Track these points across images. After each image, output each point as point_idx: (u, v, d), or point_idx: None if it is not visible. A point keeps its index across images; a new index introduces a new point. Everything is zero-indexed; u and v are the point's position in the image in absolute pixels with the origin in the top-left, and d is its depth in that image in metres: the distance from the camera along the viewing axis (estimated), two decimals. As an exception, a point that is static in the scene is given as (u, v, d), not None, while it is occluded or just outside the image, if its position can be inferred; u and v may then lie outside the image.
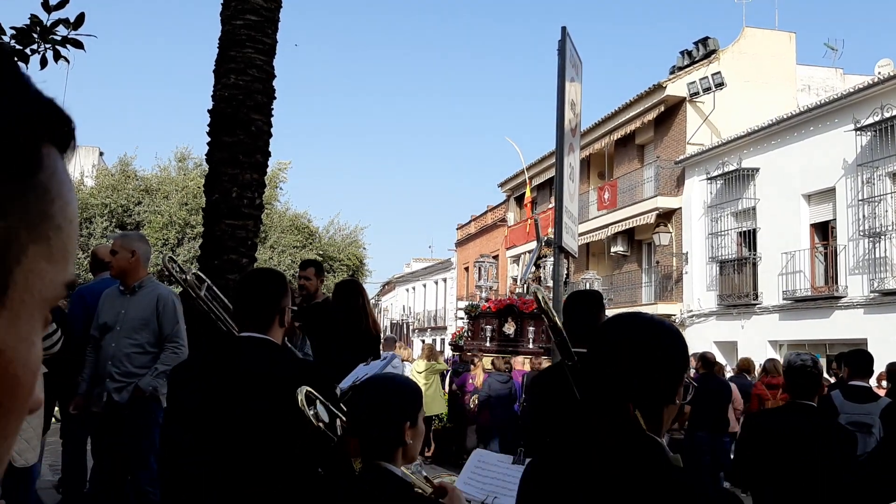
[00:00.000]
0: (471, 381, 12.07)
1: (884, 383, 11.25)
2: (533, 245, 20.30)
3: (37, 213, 0.43)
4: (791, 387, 3.97)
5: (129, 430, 4.67)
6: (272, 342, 2.56)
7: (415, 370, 11.97)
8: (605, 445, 1.52)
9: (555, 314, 2.86)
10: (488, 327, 15.01)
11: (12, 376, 0.43)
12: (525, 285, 16.11)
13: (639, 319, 1.64)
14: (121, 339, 4.71)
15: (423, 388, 12.02)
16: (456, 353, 15.07)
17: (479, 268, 17.45)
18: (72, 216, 0.45)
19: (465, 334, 15.92)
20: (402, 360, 13.54)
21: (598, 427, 1.54)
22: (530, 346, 14.08)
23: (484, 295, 16.66)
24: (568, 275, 16.37)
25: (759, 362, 14.54)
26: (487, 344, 14.51)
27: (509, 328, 14.70)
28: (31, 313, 0.43)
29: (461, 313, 27.72)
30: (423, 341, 40.71)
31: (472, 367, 12.79)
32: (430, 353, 12.58)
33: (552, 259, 15.77)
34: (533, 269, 16.10)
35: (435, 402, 11.95)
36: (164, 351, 4.72)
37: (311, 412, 2.23)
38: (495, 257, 33.97)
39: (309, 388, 2.26)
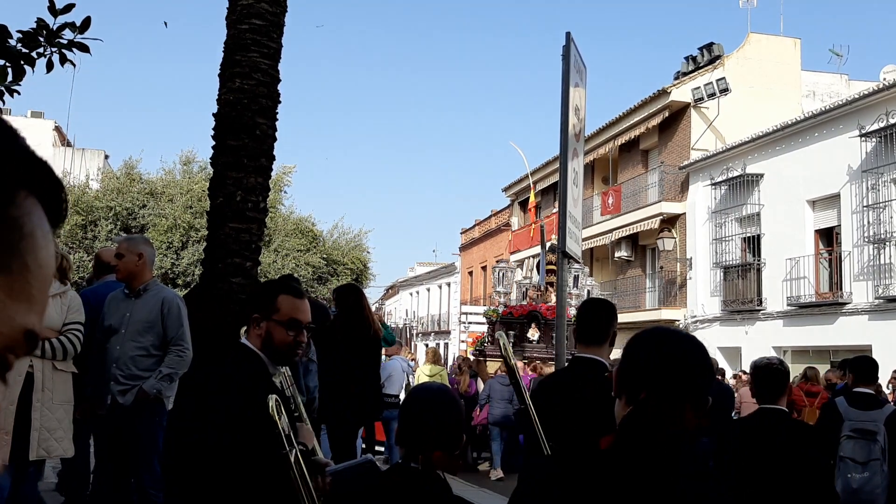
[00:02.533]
0: (455, 386, 12.21)
1: (888, 387, 11.24)
2: (537, 249, 20.33)
3: (3, 242, 0.43)
4: (757, 391, 3.89)
5: (133, 432, 4.66)
6: (238, 345, 2.59)
7: (422, 373, 11.93)
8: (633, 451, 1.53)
9: (513, 359, 3.03)
10: (511, 333, 15.05)
11: None
12: (541, 291, 16.14)
13: (678, 336, 1.70)
14: (126, 342, 4.72)
15: None
16: (481, 359, 15.06)
17: (501, 274, 17.37)
18: (42, 263, 0.45)
19: (486, 339, 15.95)
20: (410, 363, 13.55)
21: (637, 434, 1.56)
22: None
23: (502, 300, 16.68)
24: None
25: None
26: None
27: (533, 334, 14.76)
28: None
29: (465, 318, 27.78)
30: (427, 345, 40.71)
31: (459, 371, 12.90)
32: (435, 357, 12.57)
33: (574, 267, 15.86)
34: (546, 275, 16.14)
35: None
36: (168, 354, 4.72)
37: (280, 421, 2.26)
38: (499, 262, 34.00)
39: (278, 398, 2.29)
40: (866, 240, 16.06)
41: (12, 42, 4.25)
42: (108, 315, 4.84)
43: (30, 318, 0.45)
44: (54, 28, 4.22)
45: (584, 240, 10.77)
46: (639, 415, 1.54)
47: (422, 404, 2.18)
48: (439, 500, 2.06)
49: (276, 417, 2.25)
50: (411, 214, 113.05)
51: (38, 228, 0.45)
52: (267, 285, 2.75)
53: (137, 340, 4.71)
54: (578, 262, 10.94)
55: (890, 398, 10.19)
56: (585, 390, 3.00)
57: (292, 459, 2.24)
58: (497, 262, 20.80)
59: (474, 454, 12.58)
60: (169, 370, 4.66)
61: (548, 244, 16.54)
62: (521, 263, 30.42)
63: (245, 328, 2.83)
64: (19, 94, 4.56)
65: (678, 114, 22.40)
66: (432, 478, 2.09)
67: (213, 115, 6.15)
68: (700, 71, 22.67)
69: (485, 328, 24.47)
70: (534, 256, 22.38)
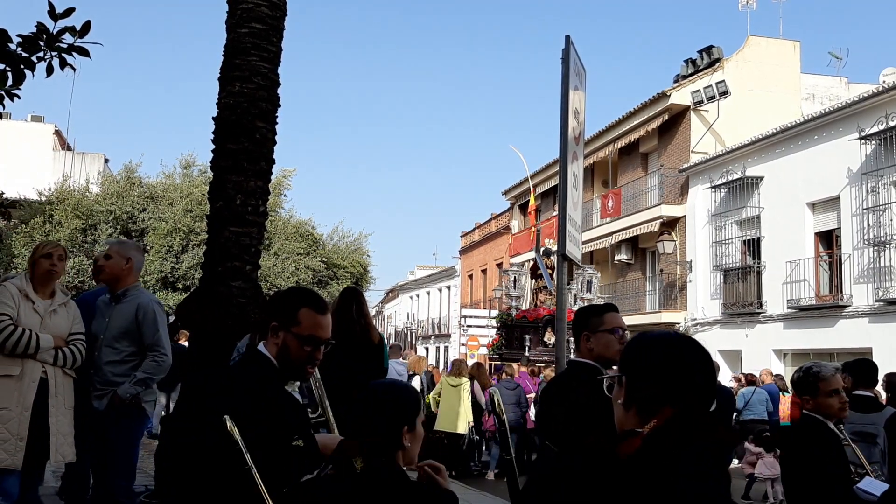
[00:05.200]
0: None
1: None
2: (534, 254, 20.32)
3: None
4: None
5: (107, 437, 4.60)
6: (258, 354, 2.55)
7: (449, 384, 11.66)
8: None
9: (503, 411, 3.24)
10: (526, 336, 15.04)
11: None
12: (552, 295, 16.20)
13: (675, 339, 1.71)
14: (103, 348, 4.68)
15: (457, 404, 11.59)
16: (498, 363, 15.04)
17: (514, 277, 17.33)
18: None
19: (501, 343, 15.96)
20: (429, 370, 13.39)
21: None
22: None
23: (514, 304, 16.68)
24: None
25: (758, 371, 14.52)
26: (526, 353, 14.55)
27: (550, 338, 14.84)
28: None
29: (465, 321, 27.74)
30: (427, 349, 40.70)
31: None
32: (461, 369, 11.98)
33: (584, 273, 15.87)
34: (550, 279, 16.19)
35: (462, 419, 11.42)
36: (145, 359, 4.67)
37: (238, 436, 2.26)
38: (499, 265, 33.99)
39: (231, 421, 2.29)
40: (866, 242, 16.06)
41: (12, 46, 4.26)
42: (93, 321, 4.82)
43: None
44: (54, 32, 4.23)
45: (583, 243, 10.77)
46: (669, 430, 1.53)
47: (361, 396, 2.16)
48: (389, 488, 2.02)
49: (235, 435, 2.26)
50: (411, 218, 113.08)
51: None
52: (290, 295, 2.62)
53: (114, 347, 4.68)
54: (578, 265, 10.94)
55: (883, 401, 10.16)
56: (579, 391, 3.02)
57: (254, 473, 2.26)
58: (510, 265, 20.72)
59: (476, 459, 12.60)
60: (144, 375, 4.61)
61: (542, 249, 16.58)
62: (521, 266, 30.43)
63: (252, 334, 2.81)
64: (19, 97, 4.57)
65: (678, 117, 22.41)
66: (386, 470, 2.03)
67: (213, 118, 6.16)
68: (700, 74, 22.69)
69: (485, 331, 24.52)
70: (529, 260, 22.36)
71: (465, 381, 11.57)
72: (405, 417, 2.11)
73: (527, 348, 14.86)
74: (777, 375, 14.48)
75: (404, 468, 2.11)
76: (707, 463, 1.52)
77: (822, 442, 3.70)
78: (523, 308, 16.55)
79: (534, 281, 17.12)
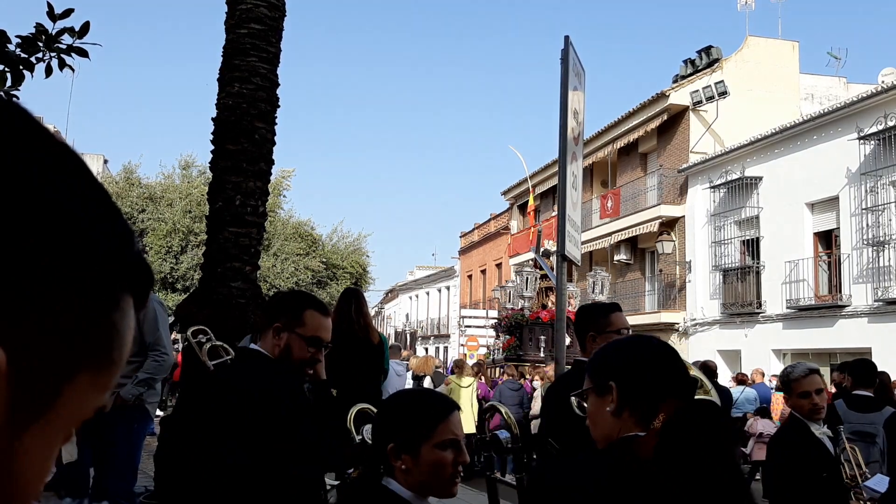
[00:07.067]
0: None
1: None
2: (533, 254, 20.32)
3: (100, 345, 0.48)
4: None
5: (108, 438, 4.59)
6: (255, 352, 2.54)
7: (459, 385, 11.58)
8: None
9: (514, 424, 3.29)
10: (542, 337, 15.01)
11: (24, 477, 0.47)
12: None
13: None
14: None
15: (467, 405, 11.48)
16: (507, 364, 14.98)
17: (528, 278, 17.25)
18: (125, 356, 0.51)
19: (517, 344, 15.96)
20: (439, 371, 13.31)
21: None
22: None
23: (527, 305, 16.65)
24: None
25: (761, 371, 14.51)
26: (541, 353, 14.54)
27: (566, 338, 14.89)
28: (62, 427, 0.49)
29: (464, 321, 27.73)
30: (426, 349, 40.70)
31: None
32: (464, 369, 11.83)
33: (595, 276, 15.79)
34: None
35: (471, 418, 11.21)
36: (146, 359, 4.68)
37: (359, 435, 2.25)
38: (499, 265, 33.98)
39: (365, 406, 2.28)
40: (865, 242, 16.07)
41: (11, 47, 4.25)
42: None
43: (103, 399, 0.51)
44: (53, 33, 4.22)
45: (583, 243, 10.77)
46: (683, 420, 1.52)
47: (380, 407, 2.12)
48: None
49: (353, 432, 2.24)
50: (410, 218, 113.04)
51: (129, 329, 0.50)
52: (295, 297, 2.69)
53: None
54: (578, 265, 10.96)
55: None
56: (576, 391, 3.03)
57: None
58: (522, 265, 20.66)
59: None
60: (146, 375, 4.62)
61: (542, 249, 16.57)
62: (532, 266, 30.40)
63: (252, 335, 2.82)
64: (18, 98, 4.56)
65: (677, 117, 22.41)
66: (364, 486, 1.93)
67: (213, 119, 6.16)
68: (698, 74, 22.69)
69: (484, 331, 24.50)
70: (529, 261, 22.33)
71: (473, 381, 11.64)
72: (391, 435, 1.89)
73: (541, 349, 14.84)
74: (772, 376, 14.49)
75: (404, 493, 1.87)
76: (711, 455, 1.52)
77: (800, 441, 3.72)
78: (523, 308, 16.56)
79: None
